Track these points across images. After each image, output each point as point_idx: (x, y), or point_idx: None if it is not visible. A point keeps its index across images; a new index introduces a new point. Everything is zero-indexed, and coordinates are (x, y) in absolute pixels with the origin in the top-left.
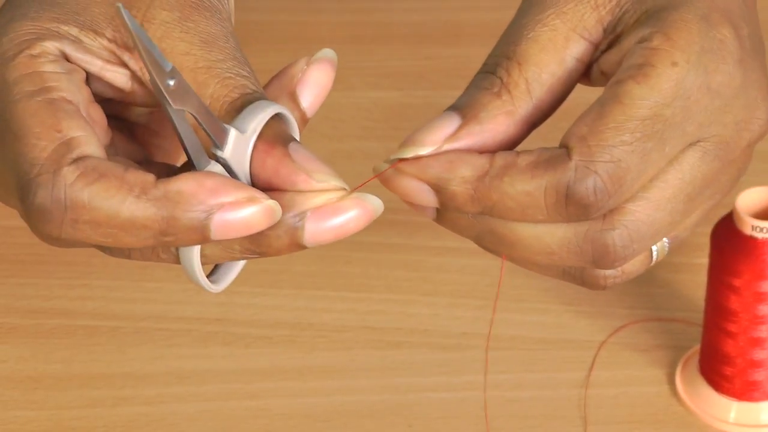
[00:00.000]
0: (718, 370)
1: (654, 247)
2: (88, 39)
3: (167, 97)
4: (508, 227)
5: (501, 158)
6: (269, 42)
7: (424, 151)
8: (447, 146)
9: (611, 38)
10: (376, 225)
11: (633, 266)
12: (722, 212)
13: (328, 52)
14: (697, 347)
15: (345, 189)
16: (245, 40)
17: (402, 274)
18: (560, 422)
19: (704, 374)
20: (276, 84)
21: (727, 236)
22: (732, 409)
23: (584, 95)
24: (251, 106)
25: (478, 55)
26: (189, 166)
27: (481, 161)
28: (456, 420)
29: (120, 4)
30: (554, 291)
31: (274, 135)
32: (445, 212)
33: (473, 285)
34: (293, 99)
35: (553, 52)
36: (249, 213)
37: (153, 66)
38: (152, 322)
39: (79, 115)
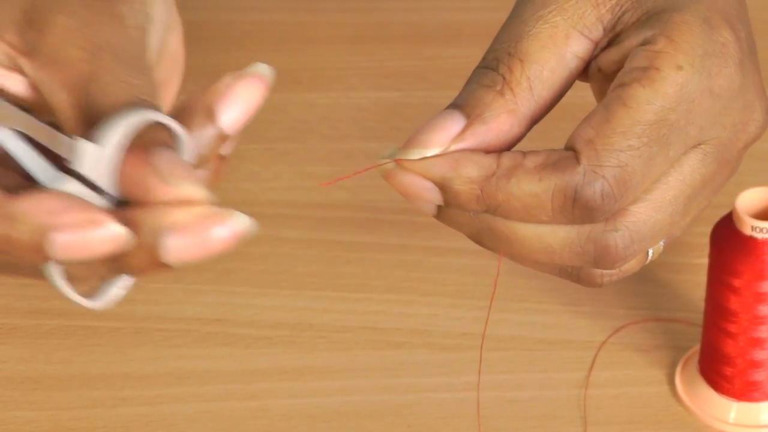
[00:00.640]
0: (718, 370)
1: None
2: None
3: None
4: (509, 226)
5: (508, 159)
6: (268, 42)
7: (429, 152)
8: (453, 147)
9: (610, 36)
10: (376, 225)
11: (630, 265)
12: (722, 212)
13: (261, 68)
14: (696, 348)
15: (207, 201)
16: (244, 40)
17: (402, 274)
18: (560, 422)
19: (704, 374)
20: (195, 99)
21: (726, 236)
22: (732, 410)
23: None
24: (114, 116)
25: (478, 56)
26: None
27: (488, 161)
28: (455, 420)
29: None
30: (554, 291)
31: (143, 144)
32: (445, 209)
33: (473, 285)
34: (209, 115)
35: (554, 49)
36: (88, 236)
37: None
38: (152, 323)
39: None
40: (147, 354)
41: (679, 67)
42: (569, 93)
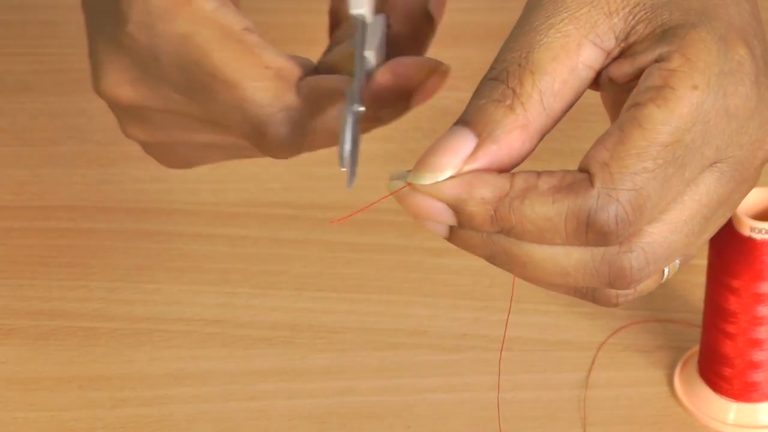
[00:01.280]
0: (717, 371)
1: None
2: None
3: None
4: (523, 248)
5: (522, 180)
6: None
7: (442, 176)
8: (465, 168)
9: (623, 46)
10: (376, 225)
11: (645, 284)
12: None
13: None
14: (696, 348)
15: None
16: None
17: (401, 275)
18: (559, 423)
19: (703, 375)
20: None
21: (725, 237)
22: (731, 410)
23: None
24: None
25: (478, 57)
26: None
27: (501, 182)
28: (455, 421)
29: None
30: (554, 292)
31: None
32: (458, 230)
33: (473, 286)
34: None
35: (566, 60)
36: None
37: None
38: (151, 324)
39: (263, 41)
40: (146, 354)
41: (695, 87)
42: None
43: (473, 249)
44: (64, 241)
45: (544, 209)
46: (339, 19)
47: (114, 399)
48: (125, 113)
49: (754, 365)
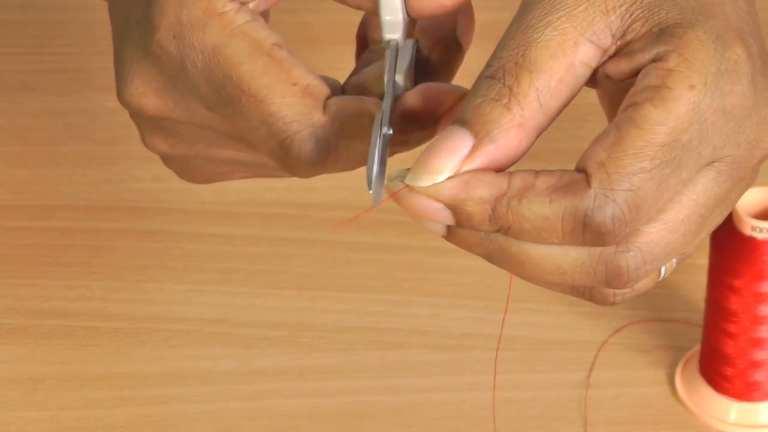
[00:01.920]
0: (719, 370)
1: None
2: None
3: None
4: (520, 247)
5: (519, 179)
6: None
7: (440, 178)
8: (463, 168)
9: (619, 44)
10: (376, 225)
11: (643, 283)
12: None
13: None
14: (697, 348)
15: None
16: None
17: (402, 274)
18: (560, 423)
19: (704, 375)
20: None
21: (727, 237)
22: (732, 410)
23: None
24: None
25: (476, 56)
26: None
27: (499, 181)
28: (456, 421)
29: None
30: (555, 292)
31: None
32: (455, 229)
33: (474, 286)
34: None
35: (563, 58)
36: None
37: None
38: (152, 323)
39: (293, 57)
40: (147, 354)
41: (692, 87)
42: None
43: (471, 248)
44: (64, 240)
45: (541, 209)
46: (366, 44)
47: (114, 399)
48: (148, 123)
49: (756, 365)
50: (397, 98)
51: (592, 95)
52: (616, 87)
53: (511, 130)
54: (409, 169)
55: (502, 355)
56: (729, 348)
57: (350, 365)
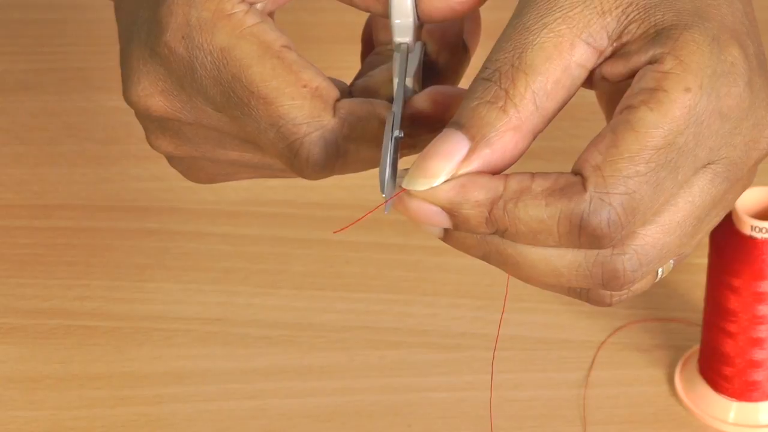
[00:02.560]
0: (718, 370)
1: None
2: None
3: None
4: (517, 249)
5: (515, 182)
6: None
7: (436, 182)
8: (459, 172)
9: (615, 46)
10: (375, 225)
11: (639, 284)
12: None
13: None
14: (696, 347)
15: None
16: None
17: (401, 274)
18: (559, 422)
19: (703, 374)
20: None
21: (726, 236)
22: (731, 409)
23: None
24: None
25: (476, 55)
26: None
27: (495, 184)
28: (455, 420)
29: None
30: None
31: None
32: (452, 231)
33: (473, 285)
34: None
35: (559, 60)
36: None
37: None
38: (151, 323)
39: (303, 59)
40: (147, 354)
41: (688, 89)
42: None
43: (467, 249)
44: (64, 239)
45: (537, 212)
46: (371, 46)
47: (114, 398)
48: (154, 124)
49: (755, 364)
50: (405, 101)
51: (591, 94)
52: (613, 88)
53: (507, 133)
54: (407, 170)
55: (501, 355)
56: (728, 347)
57: (349, 364)
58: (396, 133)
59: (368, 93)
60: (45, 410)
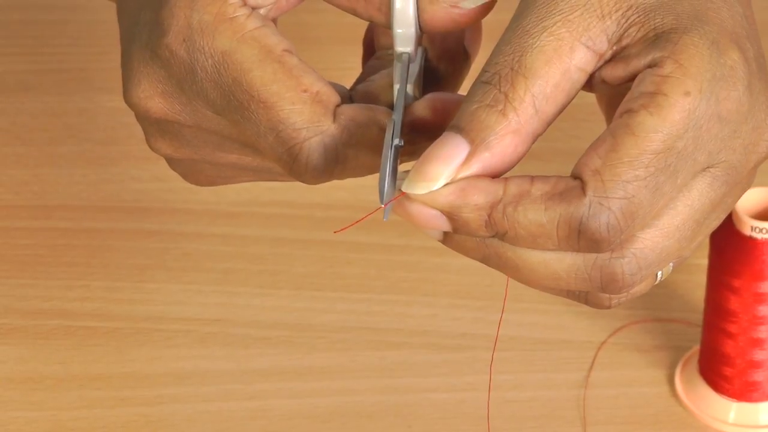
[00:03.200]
0: (718, 370)
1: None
2: None
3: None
4: (516, 252)
5: (515, 185)
6: None
7: (436, 185)
8: (459, 176)
9: (615, 49)
10: (375, 225)
11: (638, 287)
12: None
13: None
14: (696, 348)
15: None
16: None
17: (402, 274)
18: (559, 423)
19: (704, 375)
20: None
21: (726, 237)
22: (731, 410)
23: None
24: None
25: (477, 56)
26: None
27: (494, 187)
28: (455, 421)
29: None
30: None
31: None
32: (452, 234)
33: (473, 286)
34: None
35: (559, 63)
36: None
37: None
38: (151, 323)
39: (304, 64)
40: (147, 354)
41: (687, 93)
42: None
43: (467, 252)
44: (64, 240)
45: (536, 216)
46: (373, 50)
47: (114, 399)
48: (153, 126)
49: (755, 365)
50: (405, 107)
51: (592, 96)
52: (613, 91)
53: (506, 137)
54: (407, 172)
55: (501, 355)
56: (728, 348)
57: (349, 365)
58: (396, 141)
59: (369, 98)
60: (45, 411)
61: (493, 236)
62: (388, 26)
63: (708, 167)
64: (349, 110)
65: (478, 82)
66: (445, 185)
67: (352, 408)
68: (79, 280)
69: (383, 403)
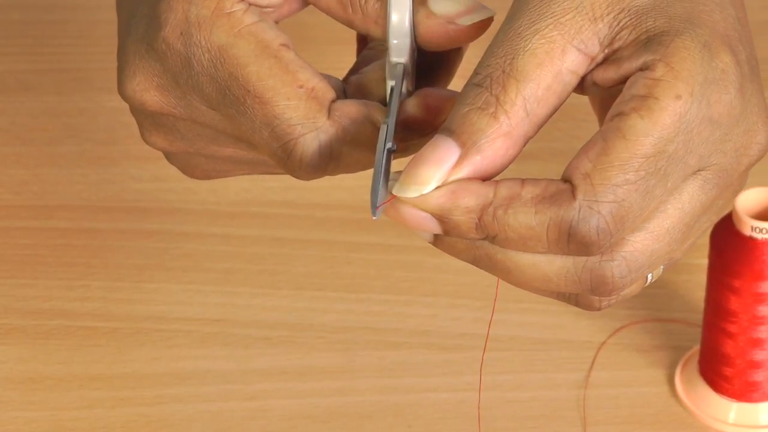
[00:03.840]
0: (718, 370)
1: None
2: None
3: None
4: (506, 255)
5: (505, 188)
6: None
7: (427, 189)
8: (450, 179)
9: (607, 52)
10: (376, 225)
11: (629, 290)
12: None
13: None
14: (696, 348)
15: None
16: None
17: (401, 274)
18: (559, 423)
19: (704, 375)
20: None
21: (726, 237)
22: (731, 410)
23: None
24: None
25: (474, 56)
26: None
27: (485, 190)
28: (455, 420)
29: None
30: None
31: None
32: (443, 236)
33: (473, 286)
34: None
35: (550, 66)
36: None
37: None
38: (152, 323)
39: (300, 59)
40: (147, 354)
41: (678, 97)
42: None
43: (458, 254)
44: (64, 240)
45: (526, 219)
46: (366, 41)
47: (114, 399)
48: (148, 119)
49: (755, 365)
50: (399, 104)
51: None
52: (605, 93)
53: (497, 140)
54: (399, 173)
55: (501, 355)
56: (728, 348)
57: (349, 365)
58: (389, 145)
59: (362, 90)
60: (45, 411)
61: (484, 239)
62: (384, 40)
63: (699, 170)
64: (344, 106)
65: (470, 85)
66: (436, 188)
67: (352, 408)
68: (79, 280)
69: (383, 403)
